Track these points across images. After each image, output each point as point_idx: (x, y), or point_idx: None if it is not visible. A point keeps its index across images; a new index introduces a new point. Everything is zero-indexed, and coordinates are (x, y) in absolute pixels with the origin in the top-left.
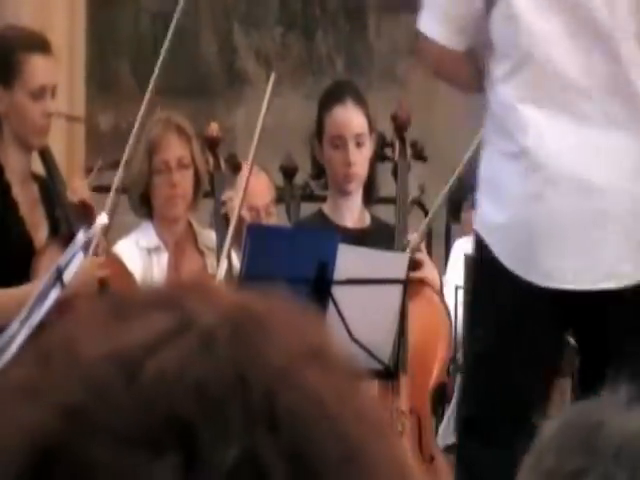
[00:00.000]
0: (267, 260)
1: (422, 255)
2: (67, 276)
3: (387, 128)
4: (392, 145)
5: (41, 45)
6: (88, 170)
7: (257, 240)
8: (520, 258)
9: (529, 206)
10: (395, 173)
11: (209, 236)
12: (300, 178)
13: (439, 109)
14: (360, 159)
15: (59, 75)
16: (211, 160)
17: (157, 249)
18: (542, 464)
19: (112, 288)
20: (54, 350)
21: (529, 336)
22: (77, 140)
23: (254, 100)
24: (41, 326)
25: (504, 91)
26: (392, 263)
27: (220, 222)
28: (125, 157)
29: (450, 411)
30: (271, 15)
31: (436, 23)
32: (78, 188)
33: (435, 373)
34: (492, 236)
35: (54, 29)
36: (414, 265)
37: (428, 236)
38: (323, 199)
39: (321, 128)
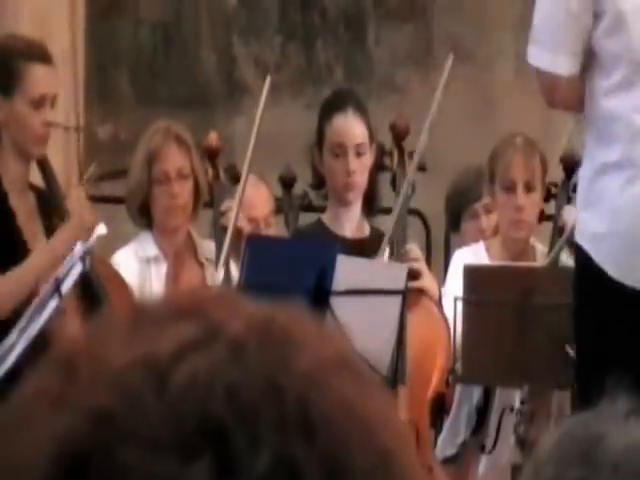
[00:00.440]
0: (266, 270)
1: (420, 265)
2: (65, 287)
3: (386, 137)
4: (391, 154)
5: (42, 55)
6: (82, 176)
7: (256, 250)
8: (623, 266)
9: (632, 215)
10: (393, 183)
11: (209, 247)
12: (299, 188)
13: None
14: (360, 168)
15: (59, 85)
16: (210, 170)
17: (156, 259)
18: (541, 476)
19: (109, 298)
20: (79, 359)
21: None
22: (75, 150)
23: (253, 110)
24: (40, 336)
25: (612, 102)
26: (391, 274)
27: (219, 233)
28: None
29: (449, 422)
30: (270, 25)
31: (546, 53)
32: (75, 197)
33: (434, 384)
34: (594, 245)
35: (54, 38)
36: (412, 275)
37: (427, 246)
38: (322, 209)
39: (321, 137)
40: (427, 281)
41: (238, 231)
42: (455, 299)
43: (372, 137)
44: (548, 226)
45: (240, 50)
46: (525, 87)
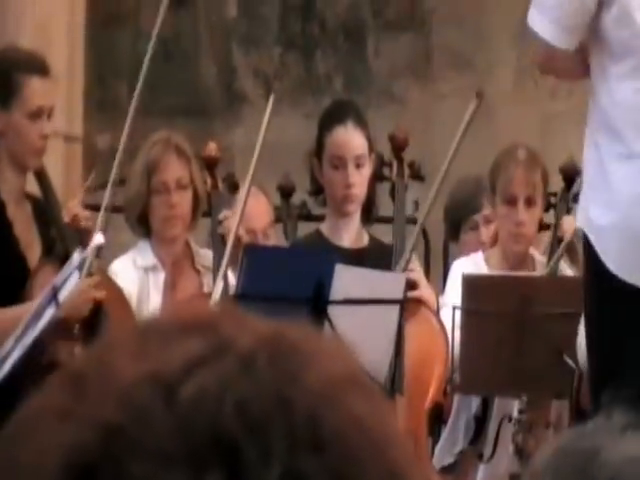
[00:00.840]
0: (264, 280)
1: (418, 274)
2: (62, 295)
3: (385, 148)
4: (390, 165)
5: (40, 67)
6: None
7: (254, 260)
8: (624, 261)
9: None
10: (393, 193)
11: (206, 255)
12: (298, 198)
13: (437, 128)
14: (360, 180)
15: (58, 95)
16: (209, 180)
17: (154, 268)
18: None
19: (106, 309)
20: (88, 373)
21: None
22: (74, 160)
23: (253, 120)
24: (35, 344)
25: (625, 89)
26: (389, 283)
27: (217, 242)
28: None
29: (447, 432)
30: (270, 35)
31: (547, 22)
32: (72, 208)
33: (432, 394)
34: (598, 237)
35: (53, 50)
36: (410, 285)
37: (426, 256)
38: (320, 219)
39: (321, 147)
40: (425, 291)
41: (237, 240)
42: (454, 308)
43: (371, 147)
44: (546, 233)
45: (240, 60)
46: (523, 97)
